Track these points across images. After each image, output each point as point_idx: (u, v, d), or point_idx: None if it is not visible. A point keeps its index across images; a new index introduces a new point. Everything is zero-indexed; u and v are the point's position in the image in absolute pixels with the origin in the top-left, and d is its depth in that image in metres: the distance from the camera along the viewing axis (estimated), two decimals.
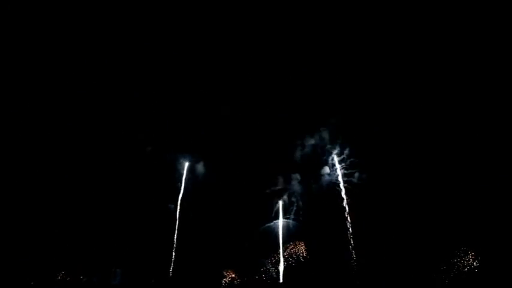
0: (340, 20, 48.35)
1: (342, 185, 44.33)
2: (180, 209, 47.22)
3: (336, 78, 48.72)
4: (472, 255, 35.06)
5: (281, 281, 42.50)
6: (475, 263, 34.55)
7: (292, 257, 43.03)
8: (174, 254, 44.77)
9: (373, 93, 46.88)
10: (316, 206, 45.38)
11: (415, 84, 44.56)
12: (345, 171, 44.81)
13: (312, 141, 47.72)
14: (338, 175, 44.97)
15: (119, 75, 51.41)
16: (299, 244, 43.56)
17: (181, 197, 48.02)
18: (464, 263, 35.07)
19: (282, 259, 43.24)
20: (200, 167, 50.15)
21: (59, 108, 49.29)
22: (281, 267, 42.92)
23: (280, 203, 46.53)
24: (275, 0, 50.41)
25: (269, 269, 43.25)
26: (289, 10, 50.54)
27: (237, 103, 51.29)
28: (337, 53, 48.73)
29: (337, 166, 45.25)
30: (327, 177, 45.75)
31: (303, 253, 42.92)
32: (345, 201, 43.52)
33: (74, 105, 49.73)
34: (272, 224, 45.61)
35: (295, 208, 45.91)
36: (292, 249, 43.43)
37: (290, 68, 51.34)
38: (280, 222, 45.38)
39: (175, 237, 45.64)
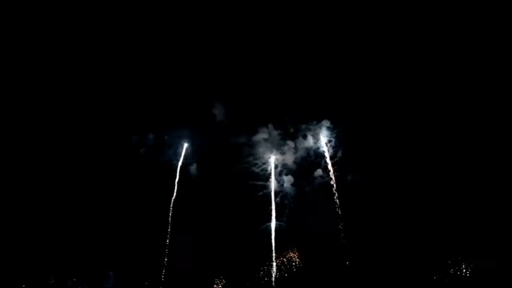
0: (336, 18, 46.87)
1: (334, 189, 43.93)
2: (172, 212, 47.09)
3: (333, 79, 47.51)
4: (464, 264, 34.51)
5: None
6: (467, 273, 34.02)
7: (285, 265, 42.75)
8: (166, 257, 44.79)
9: (369, 94, 45.82)
10: (309, 209, 45.02)
11: (412, 84, 43.58)
12: (339, 174, 44.48)
13: (305, 143, 47.14)
14: (332, 178, 44.57)
15: (117, 75, 50.63)
16: (292, 251, 43.17)
17: (174, 200, 47.86)
18: (457, 272, 34.54)
19: (274, 264, 43.02)
20: (193, 169, 49.93)
21: (55, 108, 48.79)
22: (273, 271, 42.76)
23: (273, 206, 46.07)
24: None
25: (262, 276, 43.03)
26: (286, 10, 49.06)
27: (232, 104, 50.37)
28: (333, 54, 47.50)
29: (331, 169, 44.85)
30: (320, 180, 45.42)
31: (296, 261, 42.60)
32: (338, 203, 43.15)
33: (70, 105, 49.10)
34: (265, 226, 45.21)
35: (287, 211, 45.52)
36: (285, 256, 43.10)
37: (287, 69, 50.05)
38: (273, 225, 44.98)
39: (167, 240, 45.65)
